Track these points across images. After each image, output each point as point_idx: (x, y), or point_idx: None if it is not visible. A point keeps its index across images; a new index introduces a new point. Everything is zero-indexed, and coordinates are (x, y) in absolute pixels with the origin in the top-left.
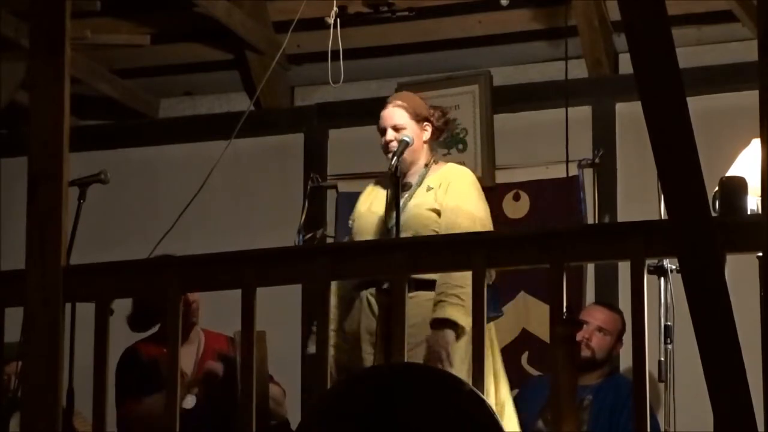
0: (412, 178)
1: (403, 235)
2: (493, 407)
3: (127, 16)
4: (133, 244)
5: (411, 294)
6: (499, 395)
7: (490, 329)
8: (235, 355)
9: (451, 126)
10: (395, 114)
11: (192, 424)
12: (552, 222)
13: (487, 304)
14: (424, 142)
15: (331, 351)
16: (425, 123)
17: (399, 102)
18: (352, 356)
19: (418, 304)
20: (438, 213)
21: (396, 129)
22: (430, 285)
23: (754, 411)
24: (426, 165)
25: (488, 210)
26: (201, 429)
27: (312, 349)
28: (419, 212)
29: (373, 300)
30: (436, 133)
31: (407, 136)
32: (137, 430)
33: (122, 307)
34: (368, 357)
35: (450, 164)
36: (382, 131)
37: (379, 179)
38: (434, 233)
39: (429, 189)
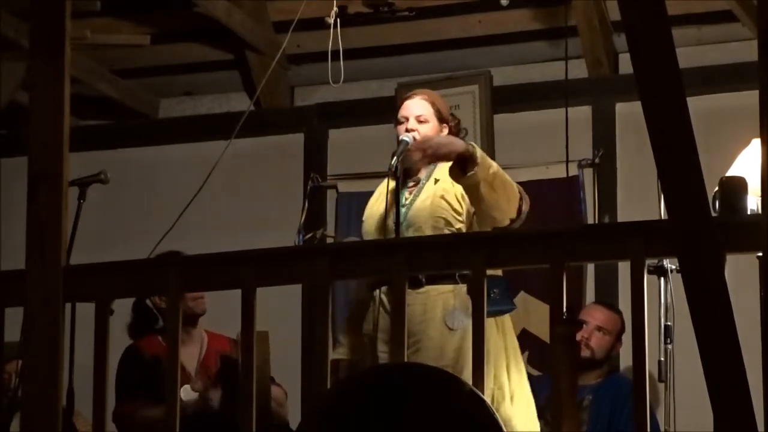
0: (422, 175)
1: (407, 232)
2: (500, 394)
3: (127, 16)
4: (133, 244)
5: (422, 289)
6: (510, 385)
7: (504, 319)
8: (238, 356)
9: (462, 128)
10: (421, 106)
11: (193, 423)
12: (552, 222)
13: (500, 297)
14: None
15: (348, 353)
16: (444, 124)
17: (426, 96)
18: (366, 356)
19: (428, 299)
20: (445, 198)
21: (419, 121)
22: (446, 278)
23: (754, 411)
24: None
25: None
26: (202, 428)
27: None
28: (422, 206)
29: (386, 299)
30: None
31: (407, 136)
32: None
33: (122, 309)
34: (384, 356)
35: None
36: (404, 119)
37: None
38: (439, 220)
39: (436, 181)
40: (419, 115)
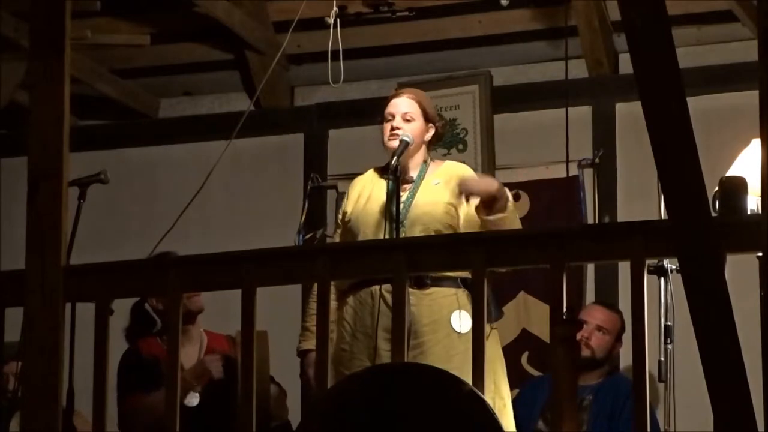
0: (413, 172)
1: (411, 230)
2: (501, 403)
3: (127, 16)
4: (133, 244)
5: (428, 290)
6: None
7: (495, 330)
8: (236, 355)
9: (447, 129)
10: (408, 104)
11: (194, 423)
12: (552, 222)
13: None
14: (425, 141)
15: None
16: (430, 124)
17: (413, 95)
18: (360, 353)
19: (434, 301)
20: (454, 207)
21: (405, 119)
22: (448, 281)
23: (754, 411)
24: (425, 161)
25: None
26: (202, 428)
27: None
28: (432, 207)
29: (389, 297)
30: (435, 138)
31: (407, 136)
32: (139, 425)
33: (120, 313)
34: (387, 354)
35: (450, 162)
36: (390, 116)
37: (369, 174)
38: (448, 226)
39: (436, 183)
40: (406, 113)
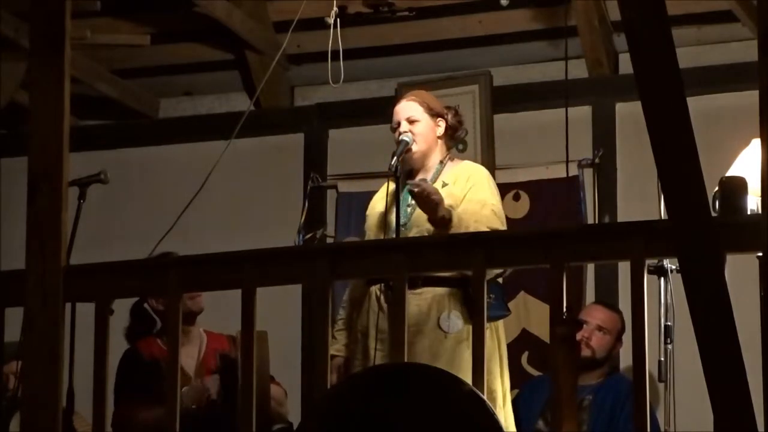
0: (427, 175)
1: (409, 232)
2: (499, 396)
3: (127, 16)
4: (133, 244)
5: (418, 291)
6: (503, 386)
7: (498, 326)
8: (237, 355)
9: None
10: (409, 107)
11: (194, 423)
12: (552, 222)
13: (496, 302)
14: (438, 137)
15: (343, 350)
16: (439, 118)
17: (412, 96)
18: (358, 352)
19: (423, 301)
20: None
21: (410, 122)
22: (439, 281)
23: (754, 411)
24: (441, 162)
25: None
26: (203, 428)
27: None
28: None
29: (381, 296)
30: (450, 130)
31: (407, 135)
32: None
33: (121, 313)
34: (374, 353)
35: (466, 162)
36: (396, 125)
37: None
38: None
39: (444, 185)
40: (408, 117)
